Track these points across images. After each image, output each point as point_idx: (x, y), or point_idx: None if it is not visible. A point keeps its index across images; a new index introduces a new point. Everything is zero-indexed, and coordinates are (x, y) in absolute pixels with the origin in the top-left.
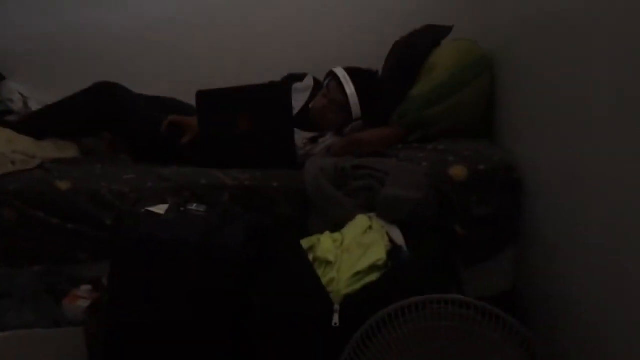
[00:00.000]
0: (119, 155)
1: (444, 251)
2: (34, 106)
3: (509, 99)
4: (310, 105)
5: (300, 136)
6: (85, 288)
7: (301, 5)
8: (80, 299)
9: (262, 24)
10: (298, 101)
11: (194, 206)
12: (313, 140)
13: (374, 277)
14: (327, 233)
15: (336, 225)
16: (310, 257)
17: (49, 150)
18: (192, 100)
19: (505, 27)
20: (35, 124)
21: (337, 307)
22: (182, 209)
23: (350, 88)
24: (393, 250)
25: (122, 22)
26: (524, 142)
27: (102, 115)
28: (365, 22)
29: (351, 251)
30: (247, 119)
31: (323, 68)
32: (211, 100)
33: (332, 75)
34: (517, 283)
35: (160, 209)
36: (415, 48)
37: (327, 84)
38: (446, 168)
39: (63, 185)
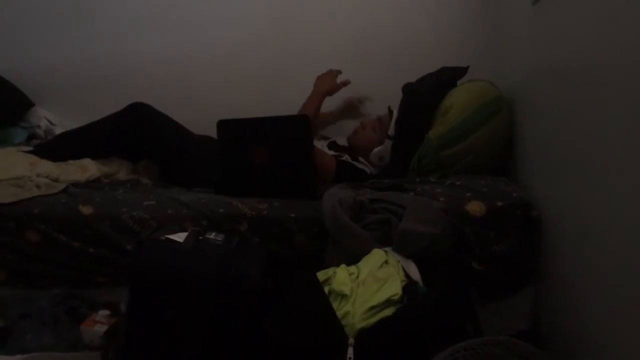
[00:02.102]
0: (141, 179)
1: (461, 288)
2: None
3: (526, 138)
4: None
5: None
6: (104, 313)
7: (319, 43)
8: (98, 323)
9: (281, 59)
10: None
11: (212, 235)
12: (330, 147)
13: (389, 311)
14: (343, 266)
15: (352, 258)
16: (326, 289)
17: (71, 172)
18: (211, 131)
19: (523, 67)
20: (66, 145)
21: (351, 340)
22: (200, 237)
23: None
24: (409, 286)
25: (149, 54)
26: (542, 180)
27: (137, 132)
28: (383, 62)
29: (367, 285)
30: (268, 150)
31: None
32: (232, 130)
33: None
34: (534, 323)
35: (180, 236)
36: (420, 98)
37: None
38: (464, 204)
39: (86, 209)
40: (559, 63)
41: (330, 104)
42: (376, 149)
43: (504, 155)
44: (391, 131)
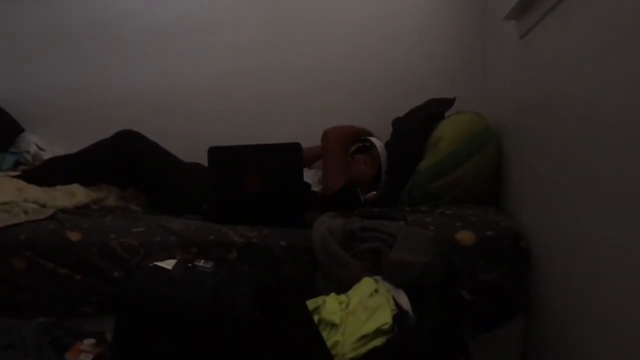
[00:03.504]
0: (130, 205)
1: (451, 318)
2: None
3: (513, 168)
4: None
5: (318, 174)
6: (89, 341)
7: (311, 75)
8: (83, 352)
9: (273, 89)
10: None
11: (201, 262)
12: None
13: (379, 341)
14: (332, 294)
15: (342, 287)
16: (316, 318)
17: (59, 198)
18: (201, 160)
19: (510, 99)
20: (54, 171)
21: None
22: (189, 264)
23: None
24: (399, 315)
25: (139, 81)
26: (530, 210)
27: (125, 159)
28: (370, 94)
29: (357, 314)
30: (258, 177)
31: None
32: (223, 157)
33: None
34: (526, 355)
35: (168, 264)
36: (409, 132)
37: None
38: (453, 233)
39: (74, 236)
40: (546, 95)
41: None
42: (370, 194)
43: (492, 186)
44: (383, 164)
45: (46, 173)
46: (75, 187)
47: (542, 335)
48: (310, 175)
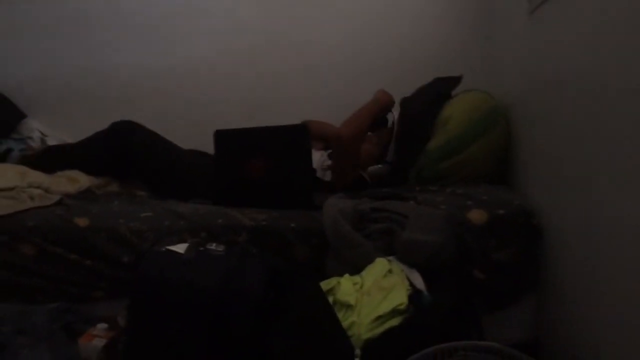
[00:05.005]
0: (135, 191)
1: (465, 296)
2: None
3: (523, 146)
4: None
5: (322, 158)
6: (101, 326)
7: (309, 59)
8: (96, 337)
9: (273, 71)
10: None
11: (213, 246)
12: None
13: (395, 321)
14: (346, 275)
15: (354, 268)
16: (330, 299)
17: (62, 184)
18: (203, 146)
19: (519, 76)
20: (53, 160)
21: (358, 351)
22: (201, 248)
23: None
24: (414, 295)
25: (141, 66)
26: (541, 188)
27: (120, 153)
28: (374, 73)
29: (372, 295)
30: (265, 160)
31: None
32: (229, 140)
33: None
34: (538, 333)
35: (180, 248)
36: (418, 113)
37: None
38: (465, 212)
39: (82, 221)
40: (557, 71)
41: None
42: (373, 167)
43: (501, 164)
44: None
45: (45, 161)
46: (76, 173)
47: (553, 312)
48: (315, 159)
